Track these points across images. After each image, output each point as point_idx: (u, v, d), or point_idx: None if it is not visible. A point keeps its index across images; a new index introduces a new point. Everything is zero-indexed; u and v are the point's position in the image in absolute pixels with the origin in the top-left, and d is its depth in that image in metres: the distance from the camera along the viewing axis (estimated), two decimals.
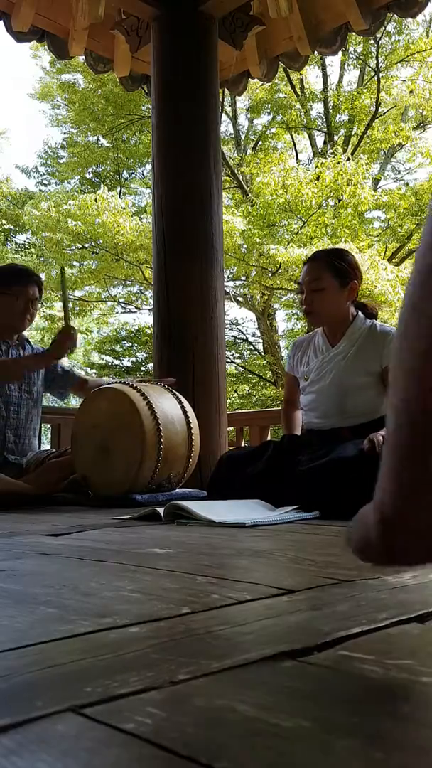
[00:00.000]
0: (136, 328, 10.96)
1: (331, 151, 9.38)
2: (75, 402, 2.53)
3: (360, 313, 1.93)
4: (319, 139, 10.65)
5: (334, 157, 8.52)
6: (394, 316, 8.12)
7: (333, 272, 1.85)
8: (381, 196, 9.18)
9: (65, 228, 9.00)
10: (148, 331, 9.88)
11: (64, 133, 11.26)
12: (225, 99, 9.51)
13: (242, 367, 10.66)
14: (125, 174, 11.37)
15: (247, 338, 11.06)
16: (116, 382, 2.13)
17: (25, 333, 2.39)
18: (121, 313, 11.18)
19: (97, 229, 9.03)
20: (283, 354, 10.15)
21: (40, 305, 2.35)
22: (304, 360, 2.01)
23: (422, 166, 10.18)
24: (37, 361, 2.23)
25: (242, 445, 3.43)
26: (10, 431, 2.21)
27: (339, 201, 8.83)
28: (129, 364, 11.07)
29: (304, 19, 2.90)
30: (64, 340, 2.14)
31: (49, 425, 3.24)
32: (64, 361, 2.61)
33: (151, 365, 6.68)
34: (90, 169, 11.19)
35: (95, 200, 8.90)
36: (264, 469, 1.77)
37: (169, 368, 2.50)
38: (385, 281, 7.54)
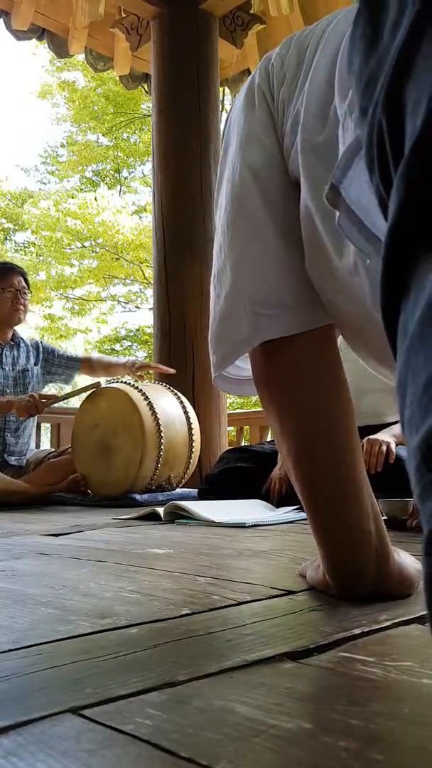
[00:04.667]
0: (136, 327, 10.94)
1: None
2: (75, 402, 2.52)
3: None
4: None
5: None
6: None
7: None
8: None
9: (65, 227, 8.99)
10: (148, 330, 9.87)
11: (64, 132, 11.25)
12: (225, 97, 9.49)
13: None
14: (125, 172, 11.35)
15: None
16: (119, 380, 2.13)
17: (24, 335, 2.38)
18: (121, 312, 11.17)
19: (97, 228, 9.02)
20: None
21: (31, 295, 2.34)
22: None
23: None
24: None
25: (242, 444, 3.43)
26: (9, 434, 2.20)
27: None
28: None
29: (304, 17, 2.89)
30: (33, 406, 2.04)
31: (48, 424, 3.24)
32: (62, 347, 2.58)
33: None
34: (90, 168, 11.17)
35: (95, 199, 8.90)
36: (265, 472, 1.78)
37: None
38: None
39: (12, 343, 2.29)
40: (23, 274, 2.27)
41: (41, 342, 2.41)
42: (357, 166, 0.38)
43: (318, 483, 0.59)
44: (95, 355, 2.43)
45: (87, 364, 2.40)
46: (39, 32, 2.98)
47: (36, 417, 2.34)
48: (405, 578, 0.59)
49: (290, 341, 0.58)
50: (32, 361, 2.32)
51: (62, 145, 11.25)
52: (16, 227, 10.65)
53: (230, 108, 0.66)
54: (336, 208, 0.41)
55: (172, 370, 2.25)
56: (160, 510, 1.44)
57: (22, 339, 2.34)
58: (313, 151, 0.50)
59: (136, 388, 2.02)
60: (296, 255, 0.57)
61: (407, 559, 0.61)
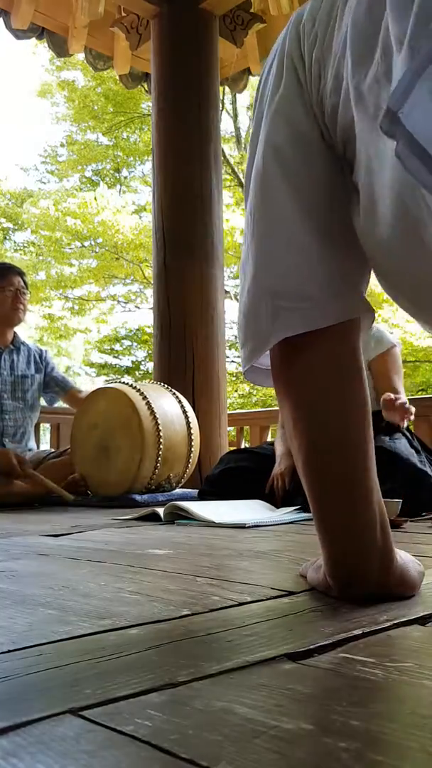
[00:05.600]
0: (136, 327, 10.94)
1: None
2: None
3: None
4: None
5: None
6: (395, 314, 8.08)
7: None
8: None
9: (64, 226, 9.00)
10: (148, 330, 9.87)
11: (64, 131, 11.25)
12: (225, 97, 9.49)
13: None
14: (125, 172, 11.35)
15: None
16: (114, 381, 2.13)
17: (24, 335, 2.38)
18: (121, 312, 11.18)
19: (97, 228, 9.02)
20: None
21: (29, 296, 2.33)
22: None
23: None
24: None
25: (242, 446, 3.43)
26: (7, 439, 2.20)
27: None
28: (128, 363, 11.06)
29: None
30: (14, 470, 1.92)
31: (48, 425, 3.24)
32: (61, 366, 2.56)
33: (150, 364, 6.68)
34: (89, 167, 11.17)
35: (95, 198, 8.90)
36: (265, 473, 1.78)
37: (169, 367, 2.50)
38: None
39: (12, 347, 2.28)
40: (22, 275, 2.28)
41: (46, 352, 2.41)
42: (420, 89, 0.34)
43: (327, 484, 0.57)
44: (85, 390, 2.38)
45: (75, 395, 2.34)
46: (39, 31, 2.98)
47: (34, 420, 2.34)
48: (407, 580, 0.58)
49: (310, 338, 0.56)
50: (33, 367, 2.31)
51: (62, 145, 11.25)
52: (16, 227, 10.65)
53: (260, 79, 0.61)
54: (392, 137, 0.36)
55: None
56: (160, 510, 1.44)
57: (23, 343, 2.33)
58: (369, 92, 0.45)
59: (135, 388, 2.02)
60: (323, 241, 0.54)
61: (409, 562, 0.60)
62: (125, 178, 11.35)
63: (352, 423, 0.57)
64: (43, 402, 2.44)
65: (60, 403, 2.49)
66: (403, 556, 0.60)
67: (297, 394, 0.59)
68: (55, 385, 2.37)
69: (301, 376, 0.58)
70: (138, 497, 1.91)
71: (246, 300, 0.58)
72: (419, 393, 8.18)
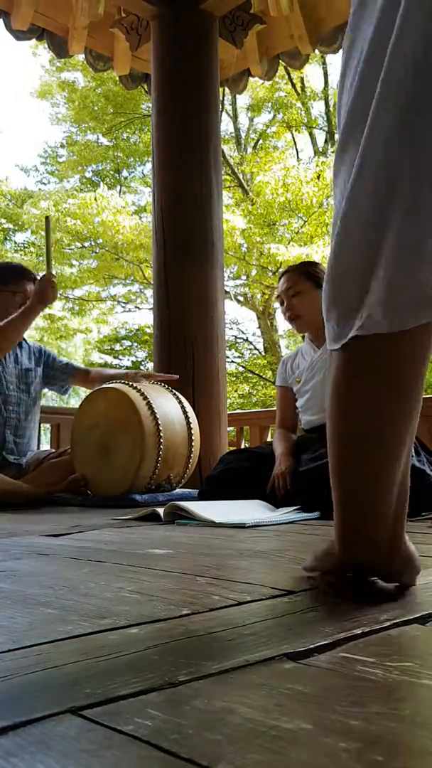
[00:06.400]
0: (136, 327, 10.95)
1: (332, 149, 9.38)
2: (74, 401, 2.52)
3: None
4: (320, 138, 10.65)
5: None
6: None
7: (307, 277, 1.92)
8: None
9: (65, 227, 9.00)
10: (148, 330, 9.88)
11: (64, 132, 11.26)
12: (225, 97, 9.51)
13: (242, 366, 10.66)
14: (125, 173, 11.36)
15: (247, 338, 11.07)
16: (118, 381, 2.13)
17: (24, 334, 2.38)
18: (121, 312, 11.18)
19: (97, 228, 9.02)
20: (284, 354, 10.16)
21: None
22: (293, 367, 2.02)
23: None
24: (25, 315, 2.10)
25: (242, 446, 3.42)
26: (9, 431, 2.20)
27: None
28: (128, 363, 11.06)
29: (304, 17, 2.89)
30: (46, 286, 2.07)
31: (48, 425, 3.24)
32: (63, 357, 2.58)
33: (150, 365, 6.68)
34: (90, 168, 11.18)
35: (95, 199, 8.90)
36: (265, 473, 1.78)
37: (169, 368, 2.50)
38: None
39: None
40: (35, 281, 2.28)
41: (44, 348, 2.44)
42: None
43: (353, 477, 0.59)
44: (96, 369, 2.41)
45: (82, 375, 2.38)
46: (39, 32, 2.98)
47: (37, 418, 2.34)
48: (412, 562, 0.60)
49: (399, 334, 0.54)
50: (34, 362, 2.34)
51: (62, 145, 11.26)
52: (16, 227, 10.65)
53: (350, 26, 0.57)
54: None
55: (175, 377, 2.25)
56: (160, 510, 1.44)
57: (24, 339, 2.35)
58: None
59: (135, 388, 2.02)
60: None
61: (414, 552, 0.62)
62: (125, 178, 11.35)
63: (395, 429, 0.58)
64: (44, 401, 2.43)
65: (65, 401, 2.49)
66: (410, 547, 0.62)
67: (363, 386, 0.57)
68: (61, 372, 2.39)
69: (378, 369, 0.57)
70: (138, 497, 1.91)
71: (333, 276, 0.56)
72: None
